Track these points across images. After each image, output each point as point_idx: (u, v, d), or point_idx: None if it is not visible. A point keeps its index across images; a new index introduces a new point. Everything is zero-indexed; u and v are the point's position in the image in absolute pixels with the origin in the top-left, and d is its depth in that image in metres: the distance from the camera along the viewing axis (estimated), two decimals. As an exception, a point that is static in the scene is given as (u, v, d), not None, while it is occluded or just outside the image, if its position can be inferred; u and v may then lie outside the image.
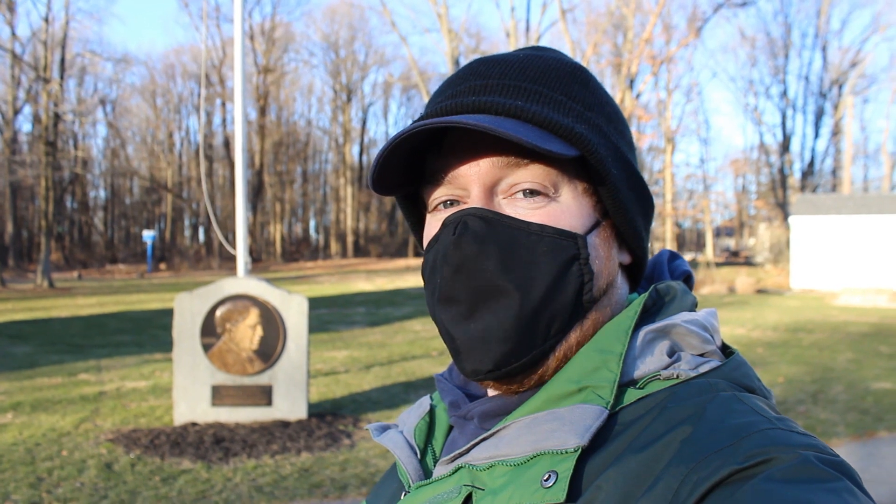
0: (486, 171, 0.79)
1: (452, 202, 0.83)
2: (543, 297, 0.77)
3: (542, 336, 0.77)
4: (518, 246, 0.77)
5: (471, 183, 0.80)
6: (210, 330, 7.30)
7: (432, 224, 0.85)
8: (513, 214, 0.79)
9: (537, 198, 0.79)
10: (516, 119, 0.77)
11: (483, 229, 0.77)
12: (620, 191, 0.81)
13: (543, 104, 0.79)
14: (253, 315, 7.34)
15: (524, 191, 0.79)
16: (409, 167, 0.84)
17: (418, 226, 0.93)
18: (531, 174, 0.79)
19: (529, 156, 0.78)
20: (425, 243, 0.86)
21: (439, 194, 0.83)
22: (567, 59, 0.86)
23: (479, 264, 0.77)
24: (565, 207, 0.79)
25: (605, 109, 0.84)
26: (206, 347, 7.28)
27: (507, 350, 0.77)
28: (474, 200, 0.80)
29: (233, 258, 9.23)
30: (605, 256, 0.82)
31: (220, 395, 7.31)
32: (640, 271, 0.90)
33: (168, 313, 8.76)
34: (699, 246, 63.50)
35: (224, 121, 57.40)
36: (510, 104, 0.78)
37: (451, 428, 0.91)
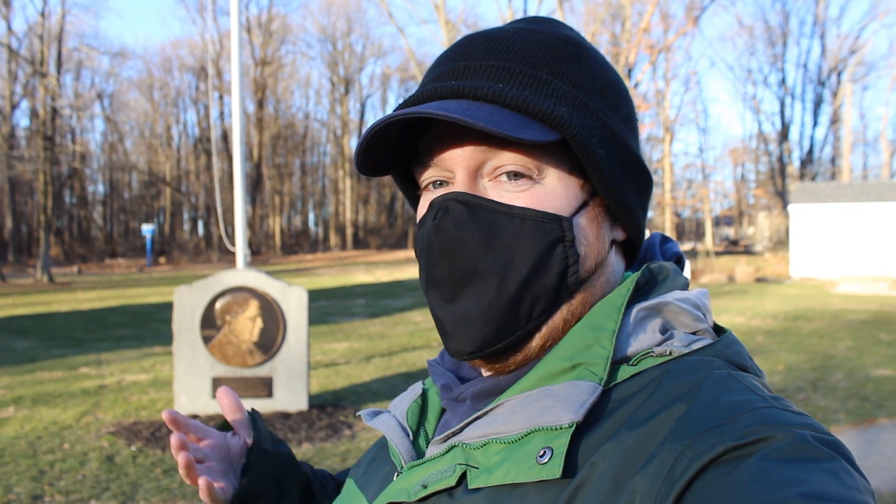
0: (469, 155, 0.79)
1: (441, 182, 0.83)
2: (524, 280, 0.77)
3: (524, 318, 0.78)
4: (499, 229, 0.77)
5: (456, 166, 0.80)
6: (210, 322, 7.30)
7: (423, 204, 0.85)
8: (497, 197, 0.79)
9: (521, 180, 0.78)
10: (494, 104, 0.77)
11: (464, 214, 0.78)
12: (607, 171, 0.80)
13: (524, 86, 0.78)
14: (252, 307, 7.35)
15: (508, 173, 0.79)
16: (401, 145, 0.85)
17: (416, 200, 0.93)
18: (514, 157, 0.78)
19: (511, 140, 0.77)
20: (417, 221, 0.87)
21: (428, 175, 0.84)
22: (560, 32, 0.84)
23: (459, 248, 0.77)
24: (550, 189, 0.79)
25: (596, 84, 0.82)
26: (206, 340, 7.29)
27: (489, 332, 0.77)
28: (459, 183, 0.80)
29: (232, 251, 9.26)
30: (593, 236, 0.81)
31: (220, 387, 7.30)
32: (635, 247, 0.89)
33: (168, 307, 8.76)
34: (698, 235, 63.53)
35: (222, 114, 57.27)
36: (488, 88, 0.77)
37: (443, 411, 0.91)
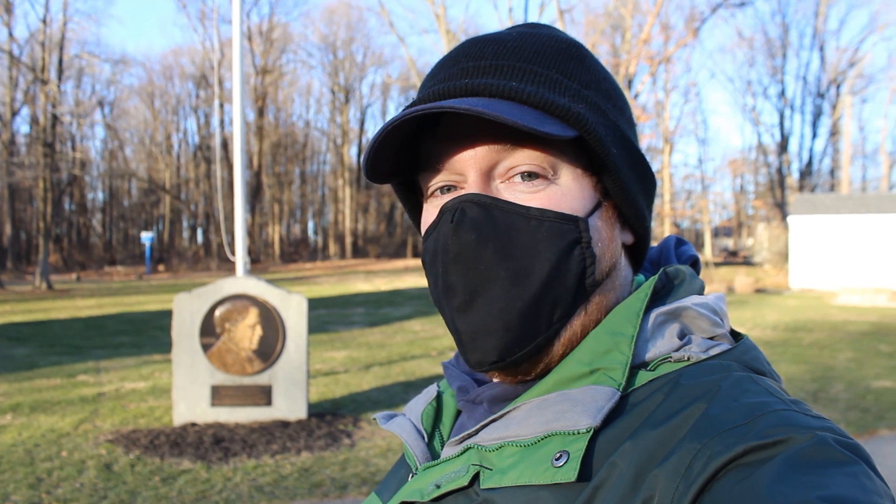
0: (482, 156, 0.77)
1: (450, 188, 0.81)
2: (545, 283, 0.75)
3: (545, 323, 0.76)
4: (517, 232, 0.75)
5: (467, 168, 0.78)
6: (209, 330, 7.29)
7: (430, 210, 0.83)
8: (511, 199, 0.77)
9: (536, 181, 0.77)
10: (511, 101, 0.75)
11: (481, 216, 0.76)
12: (621, 170, 0.80)
13: (539, 84, 0.77)
14: (252, 315, 7.33)
15: (522, 174, 0.77)
16: (403, 153, 0.83)
17: (416, 212, 0.92)
18: (529, 157, 0.77)
19: (526, 138, 0.76)
20: (423, 230, 0.85)
21: (436, 181, 0.81)
22: (562, 36, 0.84)
23: (478, 253, 0.75)
24: (565, 190, 0.78)
25: (602, 86, 0.82)
26: (206, 347, 7.27)
27: (511, 339, 0.75)
28: (471, 186, 0.78)
29: (231, 260, 9.21)
30: (607, 238, 0.80)
31: (219, 395, 7.29)
32: (642, 252, 0.89)
33: (167, 314, 8.76)
34: (698, 246, 63.57)
35: (222, 122, 57.37)
36: (504, 86, 0.76)
37: (458, 413, 0.91)
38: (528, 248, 0.75)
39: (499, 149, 0.77)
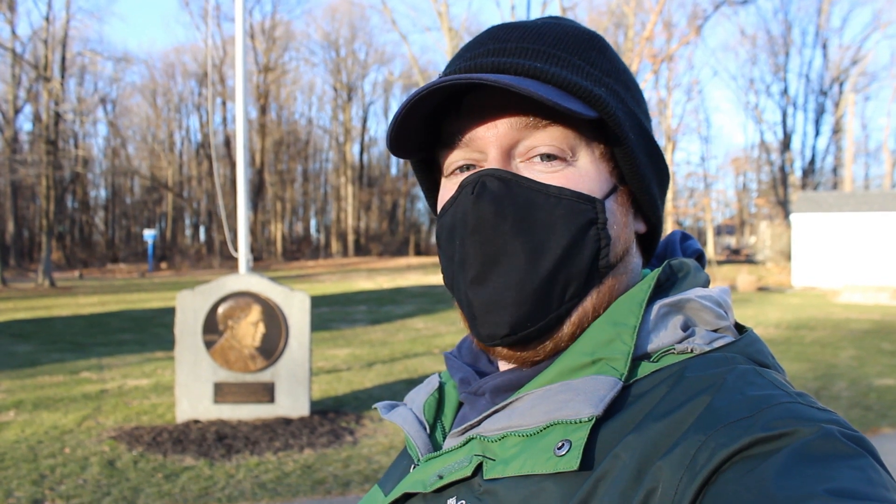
0: (503, 134, 0.79)
1: (469, 166, 0.82)
2: (560, 260, 0.76)
3: (557, 300, 0.77)
4: (536, 208, 0.77)
5: (488, 145, 0.79)
6: (212, 327, 7.29)
7: (447, 187, 0.84)
8: (530, 177, 0.78)
9: (555, 161, 0.79)
10: (536, 80, 0.77)
11: (501, 190, 0.77)
12: (637, 156, 0.81)
13: (562, 67, 0.79)
14: (255, 312, 7.34)
15: (542, 155, 0.79)
16: (425, 130, 0.84)
17: (432, 191, 0.93)
18: (549, 137, 0.78)
19: (548, 118, 0.78)
20: (439, 207, 0.85)
21: (456, 158, 0.83)
22: (583, 28, 0.86)
23: (496, 225, 0.76)
24: (583, 172, 0.79)
25: (621, 77, 0.84)
26: (209, 345, 7.28)
27: (523, 313, 0.76)
28: (491, 163, 0.79)
29: (233, 257, 9.26)
30: (622, 222, 0.81)
31: (222, 392, 7.30)
32: (653, 242, 0.89)
33: (169, 312, 8.77)
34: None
35: (224, 119, 57.36)
36: (529, 65, 0.77)
37: (460, 404, 0.91)
38: (545, 224, 0.76)
39: (520, 128, 0.78)
